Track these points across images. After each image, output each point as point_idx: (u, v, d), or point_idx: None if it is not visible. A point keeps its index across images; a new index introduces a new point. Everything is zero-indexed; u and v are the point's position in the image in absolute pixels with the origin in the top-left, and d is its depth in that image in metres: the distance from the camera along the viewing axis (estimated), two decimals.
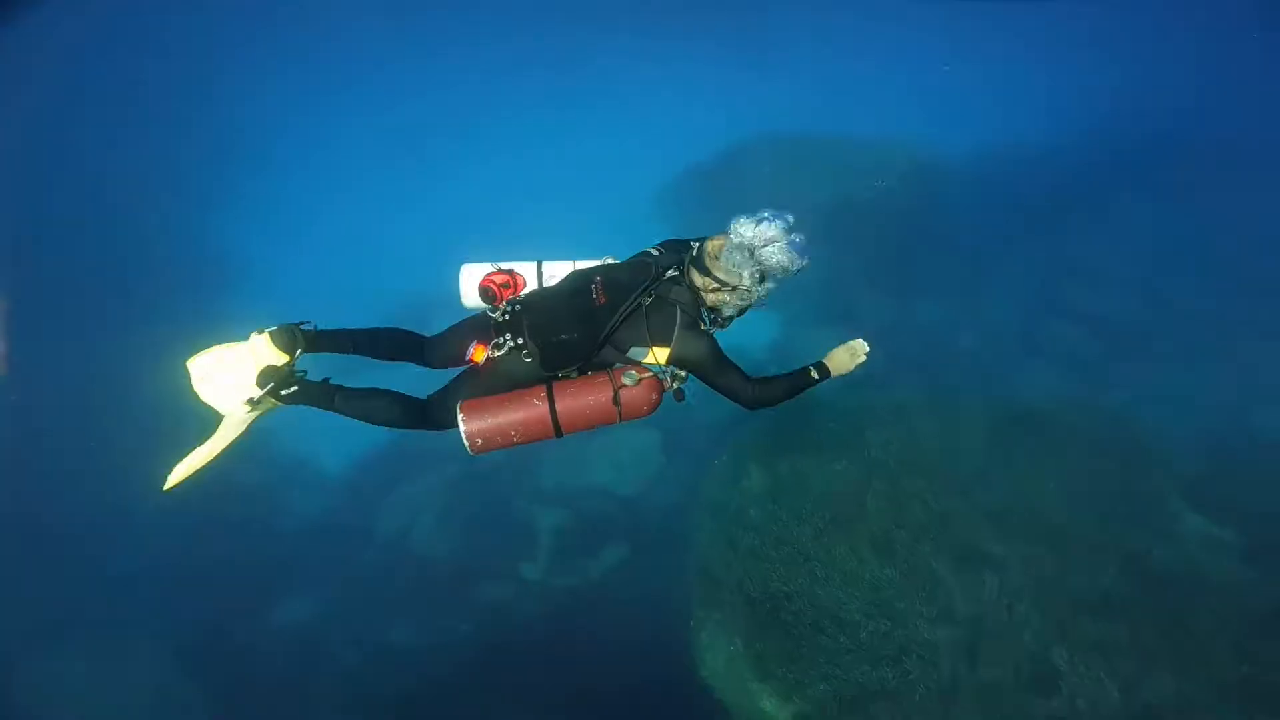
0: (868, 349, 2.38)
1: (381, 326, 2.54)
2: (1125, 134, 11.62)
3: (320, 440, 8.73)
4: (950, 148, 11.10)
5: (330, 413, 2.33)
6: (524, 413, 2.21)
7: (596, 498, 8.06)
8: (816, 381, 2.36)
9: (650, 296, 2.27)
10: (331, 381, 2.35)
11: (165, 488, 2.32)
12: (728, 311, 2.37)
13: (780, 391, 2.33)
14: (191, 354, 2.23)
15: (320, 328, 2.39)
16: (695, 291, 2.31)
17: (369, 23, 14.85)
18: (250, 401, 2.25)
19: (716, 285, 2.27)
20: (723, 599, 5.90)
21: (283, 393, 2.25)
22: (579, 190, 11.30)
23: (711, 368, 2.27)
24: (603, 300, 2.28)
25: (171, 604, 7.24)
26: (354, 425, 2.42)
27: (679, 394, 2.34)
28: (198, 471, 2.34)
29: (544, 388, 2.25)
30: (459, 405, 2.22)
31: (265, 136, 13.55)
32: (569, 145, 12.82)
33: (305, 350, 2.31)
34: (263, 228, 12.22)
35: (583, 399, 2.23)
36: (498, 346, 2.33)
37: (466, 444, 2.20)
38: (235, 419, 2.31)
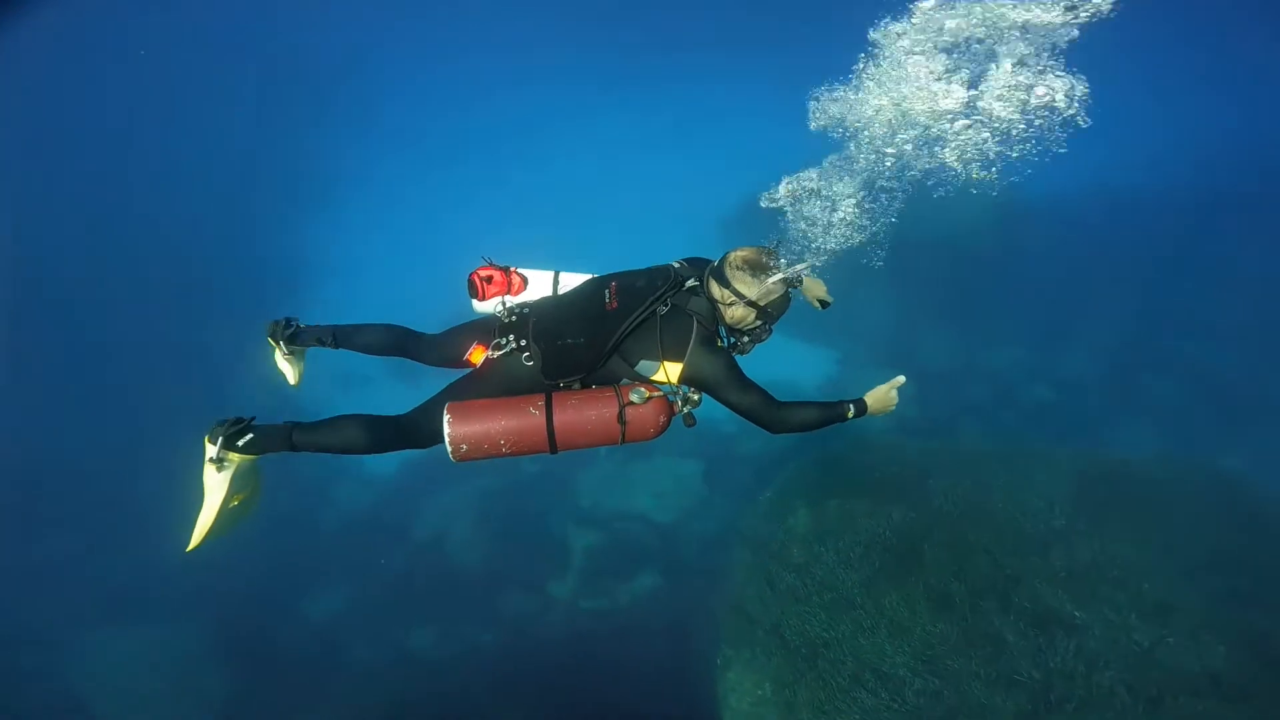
0: (902, 382, 2.23)
1: (372, 323, 2.49)
2: (1232, 175, 10.62)
3: None
4: (1034, 186, 10.49)
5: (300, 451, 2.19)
6: (518, 421, 2.02)
7: (634, 522, 7.83)
8: (850, 417, 2.16)
9: (667, 305, 2.10)
10: (290, 421, 2.23)
11: (188, 549, 2.25)
12: (745, 328, 2.19)
13: (810, 418, 2.12)
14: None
15: (302, 324, 2.45)
16: (714, 304, 2.14)
17: (448, 32, 15.53)
18: (213, 461, 2.13)
19: (734, 298, 2.10)
20: (755, 638, 5.47)
21: (238, 443, 2.12)
22: (643, 211, 11.43)
23: (729, 386, 2.07)
24: (615, 305, 2.11)
25: (213, 588, 7.41)
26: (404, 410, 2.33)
27: (689, 418, 2.15)
28: (216, 532, 2.25)
29: (543, 397, 2.06)
30: (445, 406, 2.06)
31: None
32: (640, 165, 12.91)
33: (285, 347, 2.38)
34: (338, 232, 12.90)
35: (584, 413, 2.03)
36: (498, 347, 2.18)
37: (449, 448, 2.01)
38: (212, 481, 2.19)
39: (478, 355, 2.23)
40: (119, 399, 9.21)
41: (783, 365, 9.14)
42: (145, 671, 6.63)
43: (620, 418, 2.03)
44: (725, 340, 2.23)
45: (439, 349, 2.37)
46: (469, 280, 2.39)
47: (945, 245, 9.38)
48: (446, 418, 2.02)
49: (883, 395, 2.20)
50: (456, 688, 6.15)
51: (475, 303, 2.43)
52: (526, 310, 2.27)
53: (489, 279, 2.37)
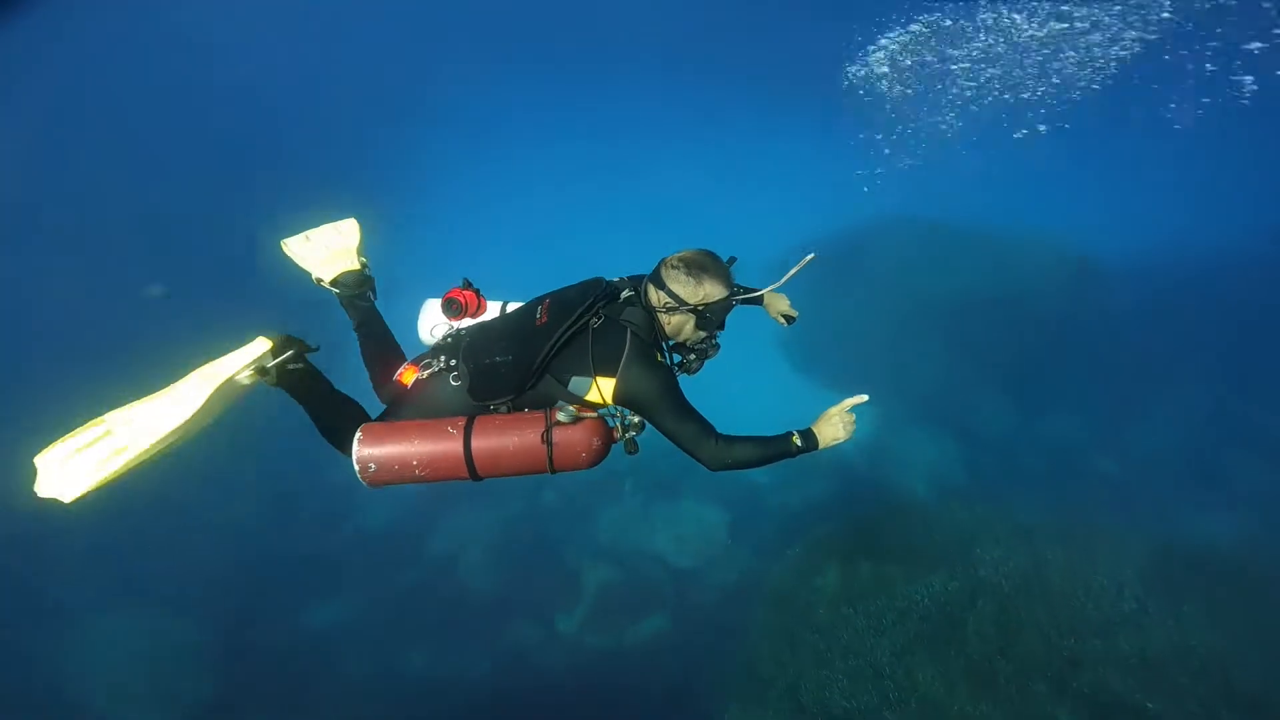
0: (863, 399, 1.95)
1: (384, 327, 2.32)
2: None
3: None
4: (1109, 245, 9.89)
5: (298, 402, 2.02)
6: (433, 444, 1.87)
7: (651, 563, 7.43)
8: (799, 452, 1.90)
9: (600, 318, 1.93)
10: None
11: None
12: (689, 341, 2.02)
13: (751, 454, 1.88)
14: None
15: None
16: (651, 314, 1.96)
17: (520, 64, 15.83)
18: (255, 366, 1.88)
19: (670, 301, 1.93)
20: (767, 700, 4.96)
21: (289, 367, 1.94)
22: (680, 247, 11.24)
23: (664, 410, 1.85)
24: (544, 320, 1.95)
25: (221, 582, 7.36)
26: None
27: (631, 445, 1.95)
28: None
29: (466, 419, 1.91)
30: (360, 427, 1.92)
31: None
32: (685, 201, 12.94)
33: (345, 290, 2.27)
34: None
35: (507, 436, 1.87)
36: (427, 367, 2.07)
37: (356, 468, 1.87)
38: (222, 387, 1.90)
39: (408, 376, 2.12)
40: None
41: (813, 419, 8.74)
42: (128, 662, 6.47)
43: (546, 439, 1.85)
44: (670, 358, 2.03)
45: (386, 386, 2.20)
46: (448, 300, 2.26)
47: (1006, 304, 8.96)
48: (357, 437, 1.89)
49: (835, 419, 1.92)
50: (444, 712, 5.79)
51: (421, 334, 2.35)
52: (462, 333, 2.17)
53: (469, 301, 2.28)
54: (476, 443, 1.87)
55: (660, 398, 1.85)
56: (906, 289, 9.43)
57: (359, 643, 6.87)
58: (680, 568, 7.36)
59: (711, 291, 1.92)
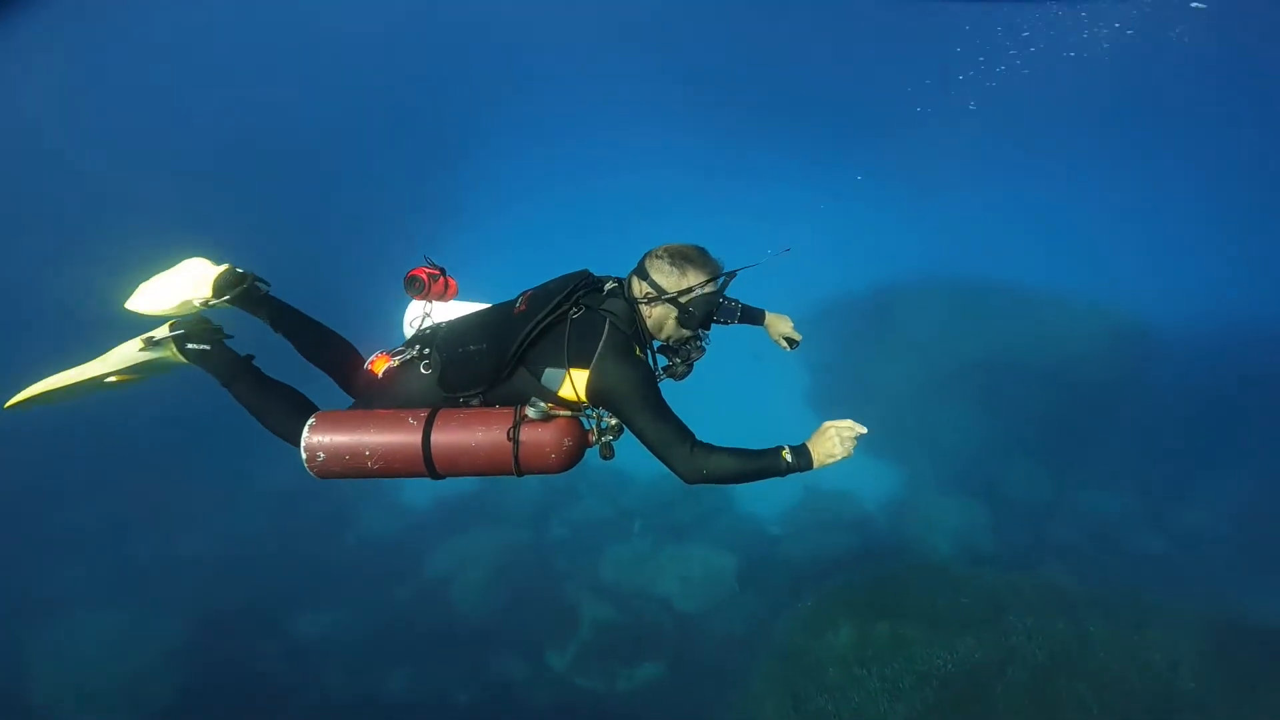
0: (863, 431, 1.71)
1: (325, 325, 2.16)
2: None
3: None
4: (1164, 317, 9.35)
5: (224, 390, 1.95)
6: (390, 435, 1.74)
7: (652, 605, 7.02)
8: (790, 469, 1.69)
9: (580, 309, 1.82)
10: (254, 363, 2.01)
11: (6, 405, 1.97)
12: (672, 339, 1.88)
13: (732, 466, 1.68)
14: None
15: (271, 293, 2.07)
16: (633, 306, 1.83)
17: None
18: (148, 340, 1.93)
19: (652, 291, 1.81)
20: None
21: (189, 346, 1.93)
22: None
23: (638, 407, 1.70)
24: (523, 308, 1.85)
25: (208, 584, 7.14)
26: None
27: (607, 449, 1.80)
28: (53, 399, 1.98)
29: (429, 411, 1.79)
30: (315, 414, 1.81)
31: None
32: (711, 240, 12.87)
33: (215, 296, 1.93)
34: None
35: (471, 431, 1.73)
36: (399, 355, 1.98)
37: (304, 456, 1.76)
38: (124, 354, 1.97)
39: (379, 364, 2.03)
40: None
41: (837, 477, 8.37)
42: (94, 661, 6.16)
43: (512, 435, 1.71)
44: (654, 359, 1.90)
45: (362, 373, 2.11)
46: (411, 278, 2.16)
47: (1047, 371, 8.54)
48: (309, 423, 1.78)
49: (833, 434, 1.70)
50: None
51: (406, 322, 2.23)
52: (441, 324, 2.08)
53: (434, 278, 2.16)
54: (437, 436, 1.73)
55: (633, 392, 1.70)
56: (942, 348, 9.14)
57: (339, 657, 6.57)
58: (683, 611, 6.92)
59: (695, 282, 1.79)
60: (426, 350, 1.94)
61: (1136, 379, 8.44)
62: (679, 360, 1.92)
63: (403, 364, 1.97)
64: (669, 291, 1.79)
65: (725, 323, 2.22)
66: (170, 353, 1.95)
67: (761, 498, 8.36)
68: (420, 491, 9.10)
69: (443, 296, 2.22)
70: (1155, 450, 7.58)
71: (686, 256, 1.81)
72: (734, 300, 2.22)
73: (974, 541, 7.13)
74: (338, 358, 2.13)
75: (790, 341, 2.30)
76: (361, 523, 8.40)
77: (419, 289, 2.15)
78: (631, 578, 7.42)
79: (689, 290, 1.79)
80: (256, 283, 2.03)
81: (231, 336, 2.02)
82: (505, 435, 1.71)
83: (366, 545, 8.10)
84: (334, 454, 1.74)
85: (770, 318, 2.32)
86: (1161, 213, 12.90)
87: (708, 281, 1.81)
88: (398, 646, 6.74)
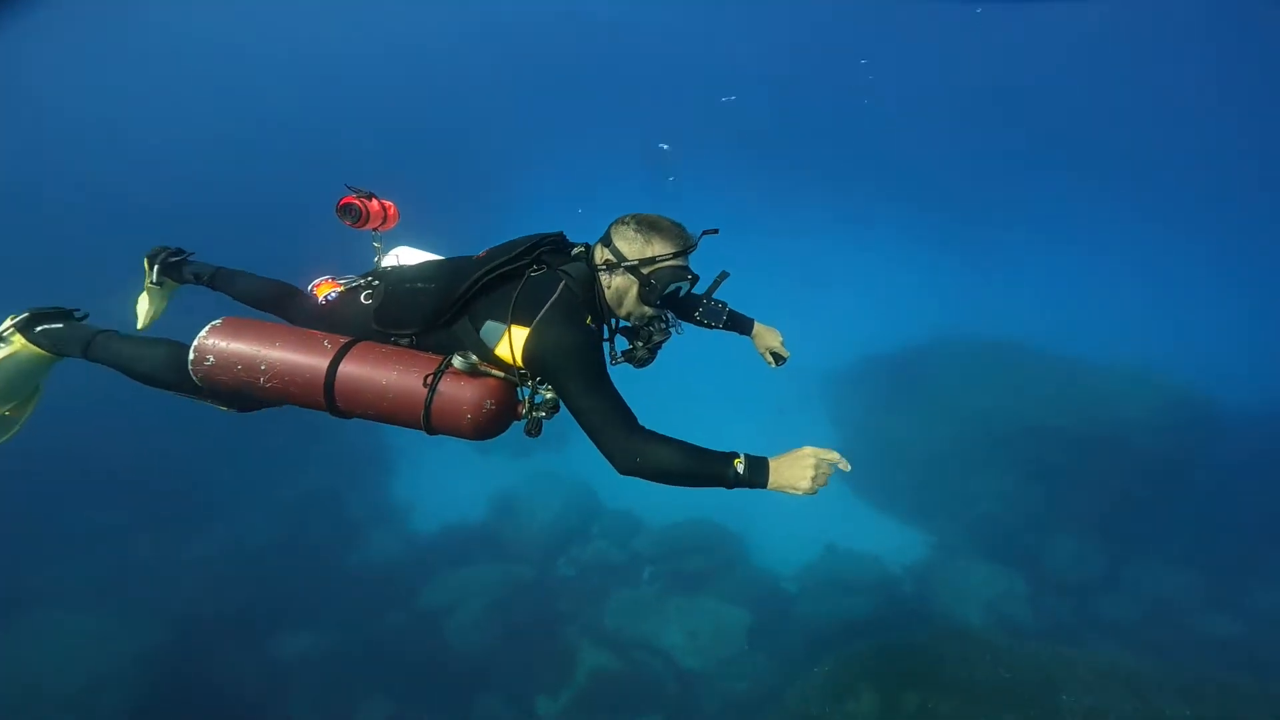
0: (846, 468, 1.50)
1: (256, 273, 2.17)
2: None
3: (427, 489, 8.87)
4: (1229, 386, 8.69)
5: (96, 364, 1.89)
6: (295, 354, 1.61)
7: (654, 657, 6.57)
8: (737, 482, 1.49)
9: (541, 267, 1.71)
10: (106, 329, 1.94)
11: None
12: (633, 316, 1.76)
13: (673, 461, 1.49)
14: None
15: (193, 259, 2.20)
16: (594, 273, 1.71)
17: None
18: None
19: (613, 258, 1.69)
20: None
21: (34, 329, 1.86)
22: (736, 354, 11.02)
23: (574, 376, 1.54)
24: (483, 256, 1.77)
25: (195, 594, 6.89)
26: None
27: (534, 426, 1.66)
28: None
29: (350, 339, 1.69)
30: (224, 317, 1.72)
31: None
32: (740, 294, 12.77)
33: (155, 277, 2.13)
34: None
35: (386, 367, 1.60)
36: (345, 281, 1.91)
37: (191, 355, 1.66)
38: None
39: (322, 289, 1.94)
40: None
41: (863, 537, 7.92)
42: (55, 664, 5.84)
43: (429, 382, 1.56)
44: (614, 342, 1.80)
45: (304, 301, 2.04)
46: (345, 205, 2.08)
47: (1104, 441, 8.00)
48: (213, 323, 1.68)
49: (807, 460, 1.47)
50: None
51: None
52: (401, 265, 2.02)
53: (365, 200, 2.09)
54: (347, 366, 1.60)
55: (570, 357, 1.55)
56: (983, 413, 8.72)
57: (317, 681, 6.23)
58: (687, 667, 6.44)
59: (660, 252, 1.67)
60: (374, 281, 1.87)
61: (1192, 450, 7.86)
62: (640, 343, 1.78)
63: (346, 290, 1.89)
64: (630, 259, 1.68)
65: (710, 325, 2.09)
66: (19, 344, 1.86)
67: (778, 553, 7.93)
68: (428, 519, 8.94)
69: (384, 223, 2.14)
70: (1218, 525, 6.94)
71: (654, 225, 1.70)
72: (721, 301, 2.09)
73: (1009, 613, 6.53)
74: (275, 296, 2.08)
75: (777, 357, 2.14)
76: (369, 545, 8.23)
77: (355, 216, 2.07)
78: (635, 625, 7.00)
79: (652, 260, 1.67)
80: (171, 257, 2.17)
81: (87, 315, 1.94)
82: (422, 381, 1.57)
83: (367, 567, 7.89)
84: (225, 361, 1.62)
85: (759, 328, 2.18)
86: (1232, 278, 12.38)
87: (675, 255, 1.68)
88: (379, 675, 6.39)
